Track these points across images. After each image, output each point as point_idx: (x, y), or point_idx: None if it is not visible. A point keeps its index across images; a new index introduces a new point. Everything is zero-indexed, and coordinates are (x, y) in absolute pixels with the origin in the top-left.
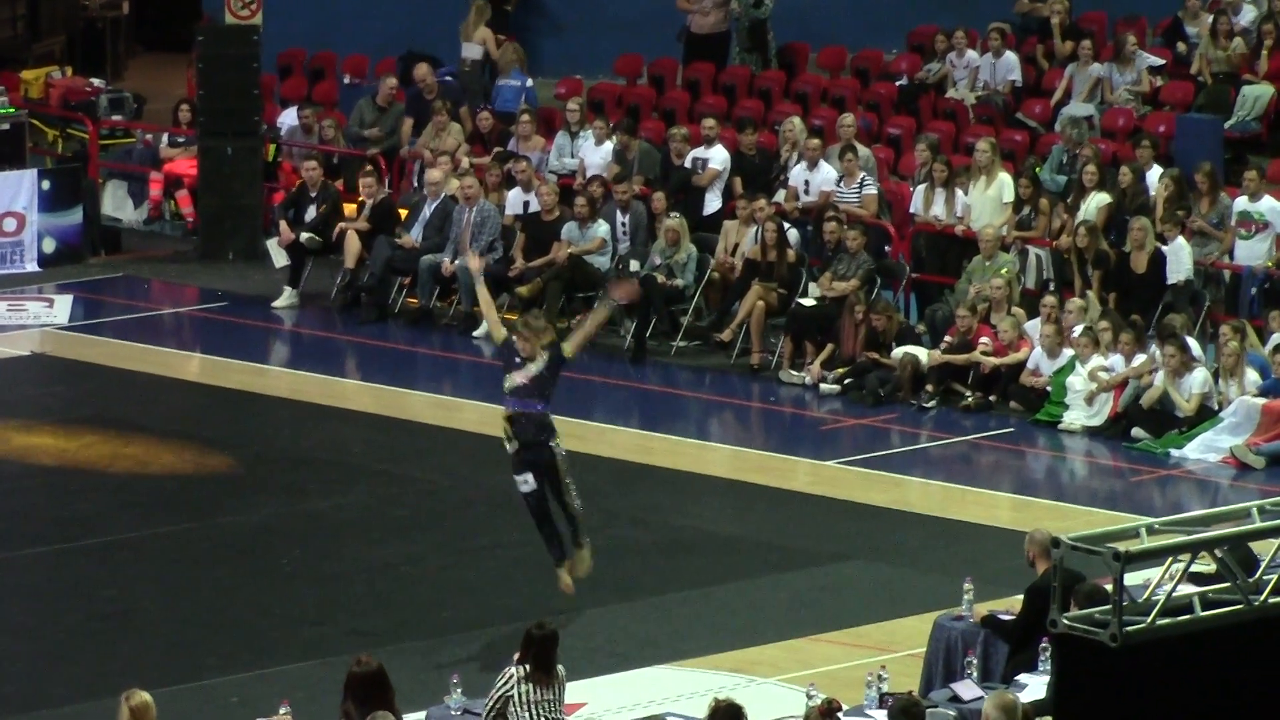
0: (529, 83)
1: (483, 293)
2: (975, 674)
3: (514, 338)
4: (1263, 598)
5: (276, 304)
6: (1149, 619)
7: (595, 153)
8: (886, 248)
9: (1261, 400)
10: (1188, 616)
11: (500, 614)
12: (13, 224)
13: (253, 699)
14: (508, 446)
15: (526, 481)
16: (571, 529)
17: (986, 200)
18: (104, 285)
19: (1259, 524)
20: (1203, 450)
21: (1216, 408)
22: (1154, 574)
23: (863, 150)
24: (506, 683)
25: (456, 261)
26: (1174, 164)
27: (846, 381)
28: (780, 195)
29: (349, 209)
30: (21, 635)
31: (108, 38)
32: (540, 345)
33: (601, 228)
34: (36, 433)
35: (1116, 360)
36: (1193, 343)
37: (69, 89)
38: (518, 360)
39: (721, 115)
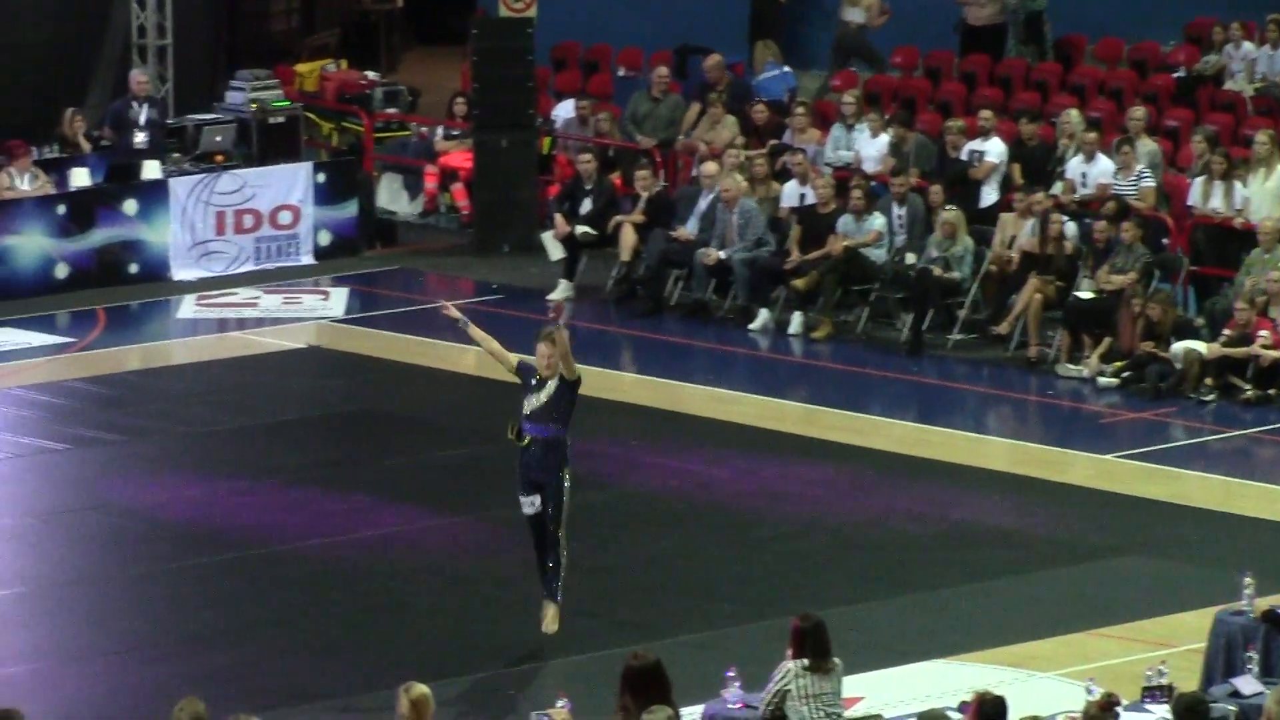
0: (786, 69)
1: (475, 332)
2: (1256, 669)
3: (538, 358)
4: None
5: (552, 296)
6: None
7: (871, 145)
8: (1164, 240)
9: None
10: None
11: (777, 607)
12: (288, 217)
13: (530, 692)
14: (510, 437)
15: (533, 504)
16: (544, 577)
17: (1265, 192)
18: (379, 278)
19: None
20: None
21: None
22: None
23: (1148, 144)
24: (785, 676)
25: (721, 252)
26: None
27: (1125, 375)
28: (1057, 188)
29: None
30: (294, 628)
31: (382, 31)
32: (561, 364)
33: (877, 220)
34: (308, 426)
35: None
36: None
37: (344, 82)
38: (534, 382)
39: (998, 107)
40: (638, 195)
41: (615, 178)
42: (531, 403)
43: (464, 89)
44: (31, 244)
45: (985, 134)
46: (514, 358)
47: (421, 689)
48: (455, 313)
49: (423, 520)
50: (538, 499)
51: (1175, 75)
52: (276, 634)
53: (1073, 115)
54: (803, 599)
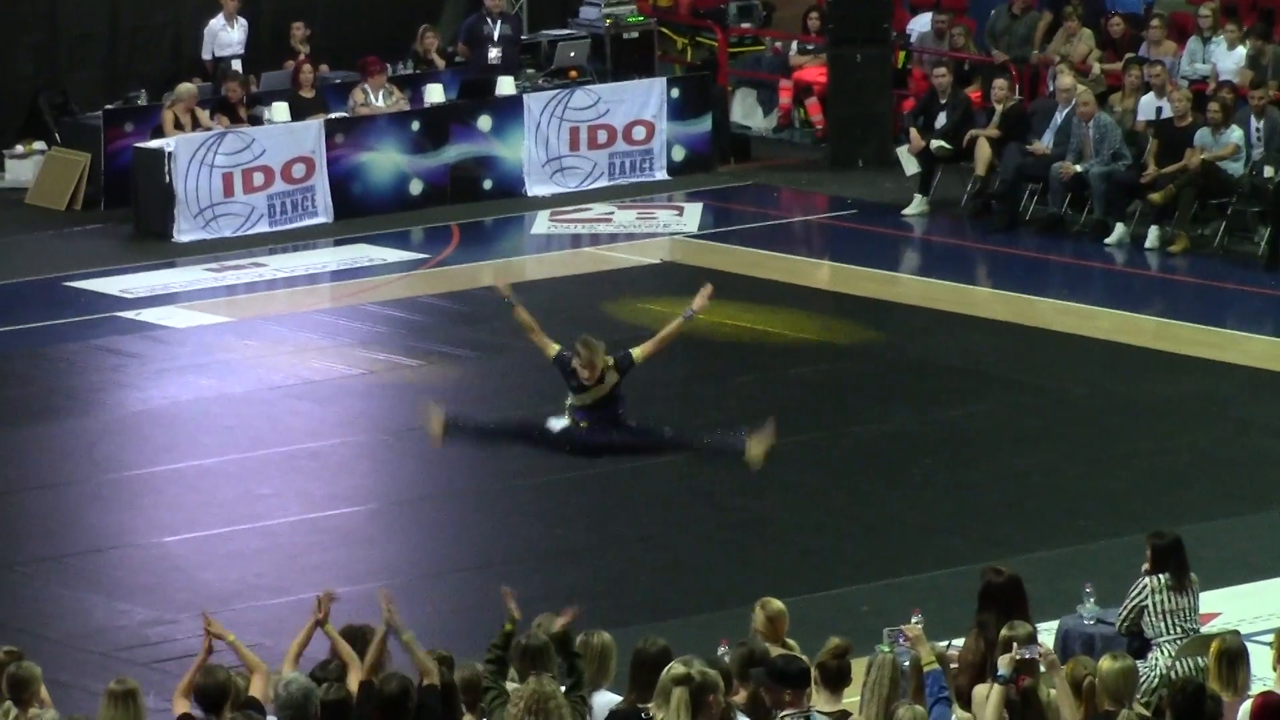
0: None
1: (521, 315)
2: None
3: (573, 361)
4: None
5: (907, 211)
6: None
7: (1228, 58)
8: None
9: None
10: None
11: (1135, 523)
12: (642, 132)
13: (884, 608)
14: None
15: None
16: (718, 443)
17: None
18: (733, 193)
19: None
20: None
21: None
22: None
23: None
24: (1141, 592)
25: (1077, 166)
26: None
27: None
28: None
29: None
30: (653, 545)
31: None
32: (604, 366)
33: (1235, 134)
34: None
35: None
36: None
37: None
38: (574, 384)
39: None
40: (993, 109)
41: (971, 92)
42: (582, 399)
43: (819, 3)
44: (386, 160)
45: None
46: (554, 348)
47: (777, 604)
48: (506, 290)
49: (779, 436)
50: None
51: None
52: (633, 550)
53: None
54: (1159, 515)
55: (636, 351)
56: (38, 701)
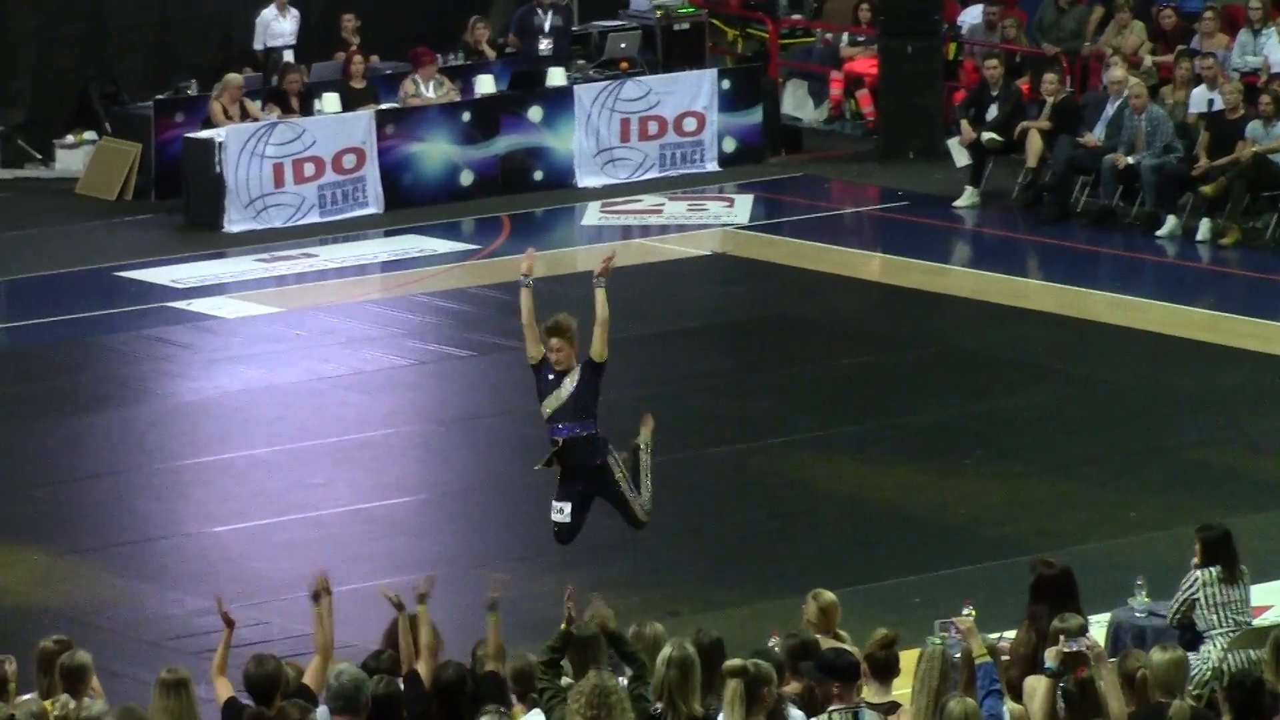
0: None
1: (527, 300)
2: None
3: (549, 352)
4: None
5: (958, 203)
6: None
7: (1279, 50)
8: None
9: None
10: None
11: (1186, 515)
12: (693, 124)
13: (935, 599)
14: (539, 467)
15: (562, 512)
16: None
17: None
18: (784, 185)
19: None
20: None
21: None
22: None
23: None
24: (1193, 585)
25: (1129, 158)
26: None
27: None
28: None
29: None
30: (702, 535)
31: None
32: (574, 354)
33: None
34: (713, 333)
35: None
36: None
37: None
38: (551, 378)
39: None
40: (1044, 101)
41: (1022, 83)
42: (552, 403)
43: None
44: (437, 151)
45: None
46: (540, 351)
47: (829, 595)
48: (529, 266)
49: (828, 427)
50: (568, 509)
51: None
52: (683, 540)
53: None
54: (1210, 507)
55: (594, 351)
56: (90, 691)
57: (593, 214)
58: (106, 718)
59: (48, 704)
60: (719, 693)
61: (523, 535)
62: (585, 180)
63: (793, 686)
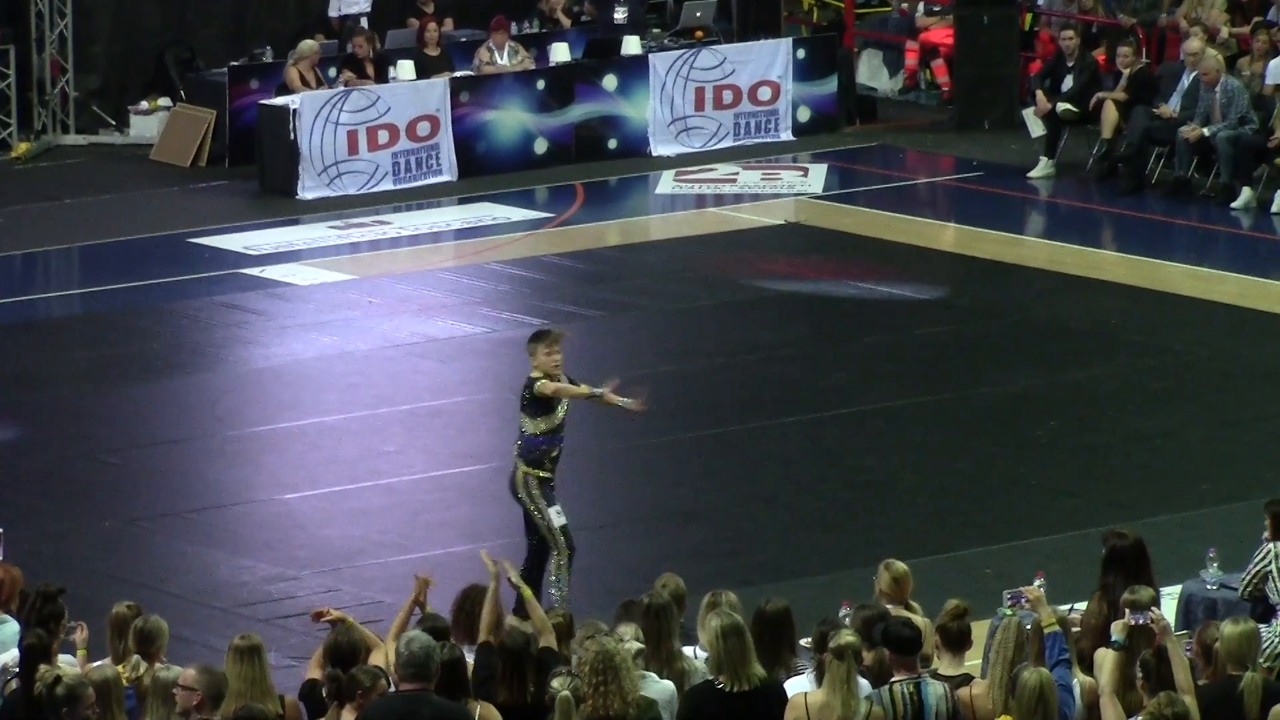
0: None
1: (569, 389)
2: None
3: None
4: None
5: (1032, 174)
6: None
7: None
8: None
9: None
10: None
11: (1259, 488)
12: (767, 93)
13: (1008, 570)
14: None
15: (561, 513)
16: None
17: None
18: (858, 154)
19: None
20: None
21: None
22: None
23: None
24: (1265, 558)
25: (1204, 129)
26: None
27: None
28: None
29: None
30: (777, 504)
31: None
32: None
33: None
34: (787, 302)
35: None
36: None
37: None
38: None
39: None
40: (1120, 72)
41: (1098, 54)
42: (559, 415)
43: None
44: (511, 119)
45: None
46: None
47: (901, 566)
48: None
49: (902, 397)
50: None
51: None
52: (757, 510)
53: None
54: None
55: (546, 384)
56: (163, 655)
57: (667, 183)
58: (187, 672)
59: (120, 667)
60: (785, 662)
61: (594, 504)
62: (659, 149)
63: (868, 657)
